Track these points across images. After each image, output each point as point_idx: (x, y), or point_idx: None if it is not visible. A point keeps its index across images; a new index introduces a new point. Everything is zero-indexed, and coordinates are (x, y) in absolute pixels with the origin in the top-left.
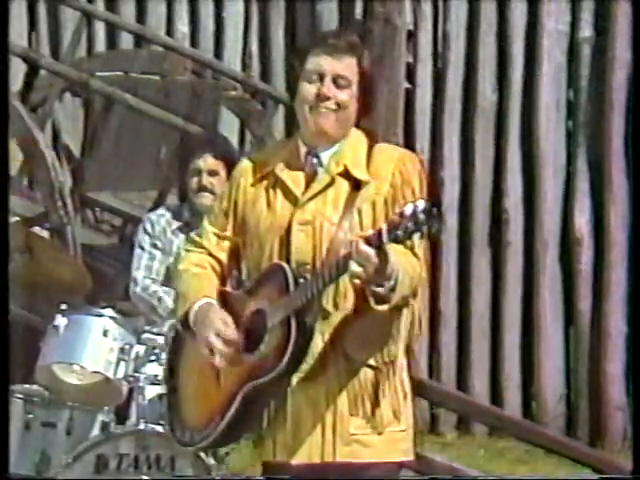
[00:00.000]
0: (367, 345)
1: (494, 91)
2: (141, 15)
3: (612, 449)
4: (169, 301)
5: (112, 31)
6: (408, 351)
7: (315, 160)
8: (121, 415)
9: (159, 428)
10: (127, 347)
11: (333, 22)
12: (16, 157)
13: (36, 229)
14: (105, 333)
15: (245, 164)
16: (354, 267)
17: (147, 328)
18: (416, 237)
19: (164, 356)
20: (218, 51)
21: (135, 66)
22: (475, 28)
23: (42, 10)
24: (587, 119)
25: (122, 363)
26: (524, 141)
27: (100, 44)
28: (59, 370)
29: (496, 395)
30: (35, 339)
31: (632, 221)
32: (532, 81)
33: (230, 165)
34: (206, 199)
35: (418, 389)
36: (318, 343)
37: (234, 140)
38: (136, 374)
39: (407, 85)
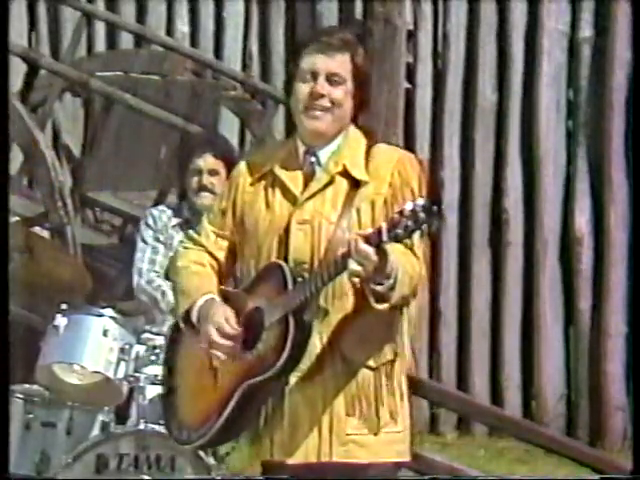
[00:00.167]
0: (365, 346)
1: (494, 91)
2: (141, 15)
3: (612, 449)
4: (171, 296)
5: (112, 31)
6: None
7: (313, 159)
8: (121, 415)
9: (159, 428)
10: (127, 347)
11: (333, 22)
12: (16, 157)
13: (36, 229)
14: (105, 333)
15: (244, 164)
16: (353, 265)
17: (147, 328)
18: (416, 236)
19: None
20: (218, 51)
21: (135, 66)
22: (475, 28)
23: (42, 10)
24: (587, 119)
25: (122, 363)
26: (524, 141)
27: (100, 44)
28: (59, 370)
29: (496, 395)
30: (35, 339)
31: (632, 221)
32: (532, 81)
33: (230, 165)
34: (206, 199)
35: (418, 389)
36: (315, 343)
37: (234, 140)
38: (136, 374)
39: (407, 85)
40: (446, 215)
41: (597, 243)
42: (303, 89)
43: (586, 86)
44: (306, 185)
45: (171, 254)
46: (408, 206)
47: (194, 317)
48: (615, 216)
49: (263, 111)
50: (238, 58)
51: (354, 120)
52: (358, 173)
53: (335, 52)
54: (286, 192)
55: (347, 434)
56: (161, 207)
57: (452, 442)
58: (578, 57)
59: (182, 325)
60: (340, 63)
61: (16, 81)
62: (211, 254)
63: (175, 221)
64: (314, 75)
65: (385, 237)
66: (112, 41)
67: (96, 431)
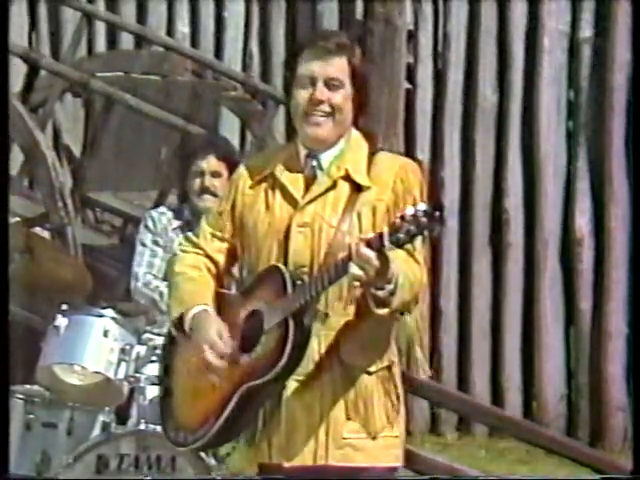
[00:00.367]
0: (363, 351)
1: (494, 91)
2: (141, 15)
3: (612, 449)
4: None
5: (112, 31)
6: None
7: (315, 162)
8: (122, 415)
9: (160, 428)
10: (128, 347)
11: (334, 22)
12: (17, 157)
13: (37, 229)
14: (106, 333)
15: (244, 166)
16: (354, 270)
17: (148, 328)
18: (417, 242)
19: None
20: (218, 51)
21: (135, 66)
22: (475, 28)
23: (42, 10)
24: (587, 119)
25: (123, 363)
26: (524, 141)
27: (100, 44)
28: (60, 370)
29: (497, 395)
30: (36, 339)
31: (632, 221)
32: (532, 81)
33: (232, 167)
34: (209, 201)
35: (419, 389)
36: (314, 347)
37: (235, 141)
38: (137, 374)
39: (407, 85)
40: (446, 217)
41: (597, 243)
42: (302, 95)
43: (586, 86)
44: (307, 188)
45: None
46: (409, 211)
47: (187, 326)
48: (615, 216)
49: (263, 111)
50: (238, 58)
51: (355, 123)
52: (360, 178)
53: (332, 56)
54: (287, 195)
55: (344, 438)
56: (161, 209)
57: (453, 442)
58: (578, 57)
59: (174, 332)
60: (338, 67)
61: (17, 82)
62: (209, 257)
63: (176, 224)
64: (312, 81)
65: (387, 242)
66: (112, 41)
67: (97, 431)
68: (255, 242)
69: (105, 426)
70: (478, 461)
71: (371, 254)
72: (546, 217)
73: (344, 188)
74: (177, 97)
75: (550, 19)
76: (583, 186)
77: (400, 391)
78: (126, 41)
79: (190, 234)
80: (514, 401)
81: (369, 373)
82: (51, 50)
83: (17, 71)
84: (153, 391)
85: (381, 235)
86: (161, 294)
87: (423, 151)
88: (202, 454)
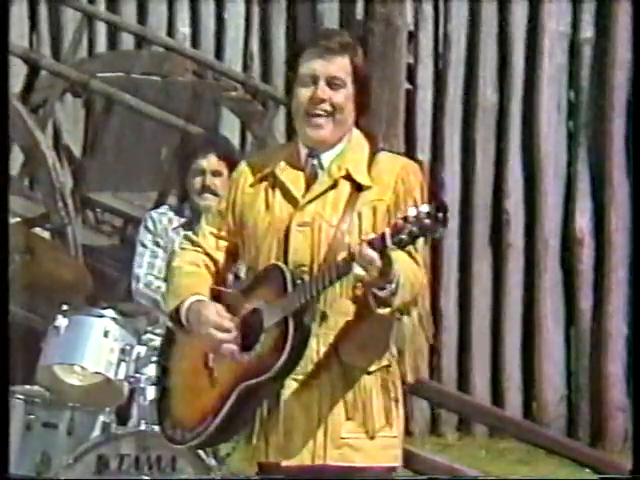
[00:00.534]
0: (362, 351)
1: (495, 91)
2: (142, 16)
3: (613, 450)
4: None
5: (113, 32)
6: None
7: (315, 162)
8: (122, 416)
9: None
10: (128, 348)
11: (334, 23)
12: (17, 158)
13: (37, 230)
14: (106, 334)
15: (244, 165)
16: (357, 270)
17: (149, 329)
18: (419, 243)
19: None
20: (219, 52)
21: (136, 67)
22: (476, 29)
23: (43, 11)
24: (588, 120)
25: (123, 364)
26: (525, 142)
27: (101, 45)
28: (60, 371)
29: (497, 396)
30: (36, 340)
31: (633, 221)
32: (533, 82)
33: (232, 166)
34: (209, 200)
35: (419, 390)
36: (313, 346)
37: (235, 141)
38: (137, 375)
39: (408, 86)
40: (449, 218)
41: (598, 244)
42: (304, 94)
43: (587, 87)
44: (307, 188)
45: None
46: (412, 212)
47: (183, 317)
48: (616, 217)
49: (264, 112)
50: (239, 59)
51: (356, 123)
52: (361, 178)
53: (334, 56)
54: (287, 194)
55: (342, 437)
56: (162, 210)
57: (453, 443)
58: (579, 58)
59: (170, 324)
60: (340, 66)
61: (17, 82)
62: (208, 255)
63: (176, 223)
64: (314, 79)
65: (389, 242)
66: (113, 42)
67: (97, 432)
68: (255, 241)
69: (105, 426)
70: (478, 461)
71: (374, 255)
72: (546, 217)
73: (345, 188)
74: (177, 97)
75: (550, 20)
76: (583, 186)
77: (399, 391)
78: (126, 41)
79: (190, 233)
80: (514, 401)
81: (368, 373)
82: (51, 50)
83: (17, 71)
84: (153, 391)
85: (383, 236)
86: (163, 295)
87: (423, 151)
88: (202, 454)
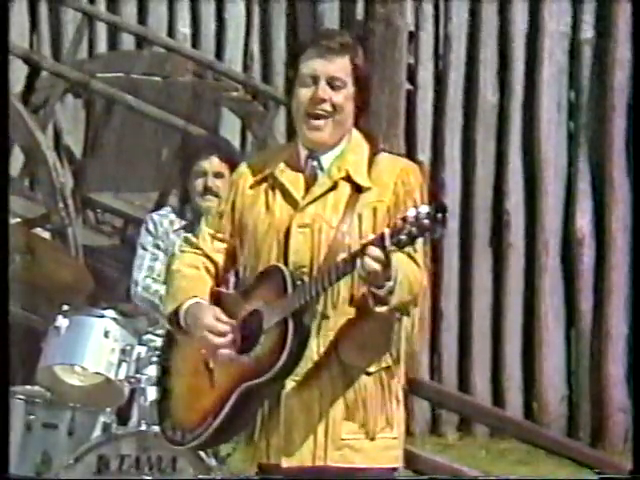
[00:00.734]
0: (362, 351)
1: (495, 92)
2: (142, 16)
3: (613, 450)
4: None
5: (113, 32)
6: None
7: (315, 163)
8: (122, 416)
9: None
10: (128, 348)
11: (334, 23)
12: (17, 158)
13: (37, 230)
14: (106, 334)
15: (244, 166)
16: (361, 270)
17: (150, 329)
18: (418, 244)
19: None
20: (219, 52)
21: (136, 67)
22: (476, 29)
23: (43, 11)
24: (588, 120)
25: (123, 364)
26: (525, 142)
27: (101, 45)
28: (60, 371)
29: (497, 396)
30: (36, 340)
31: (633, 222)
32: (533, 82)
33: (233, 167)
34: (211, 202)
35: (419, 390)
36: (313, 347)
37: (235, 141)
38: (137, 375)
39: (408, 86)
40: (448, 219)
41: (598, 244)
42: (304, 94)
43: (587, 87)
44: (307, 189)
45: None
46: (411, 213)
47: (181, 320)
48: (616, 217)
49: (264, 112)
50: (239, 59)
51: (357, 124)
52: (361, 179)
53: (335, 56)
54: (287, 196)
55: (342, 439)
56: (162, 211)
57: (453, 443)
58: (579, 58)
59: (169, 327)
60: (340, 67)
61: (17, 82)
62: (208, 257)
63: (177, 225)
64: (315, 79)
65: (388, 243)
66: (113, 42)
67: (97, 432)
68: (255, 242)
69: (106, 427)
70: (479, 462)
71: (381, 254)
72: (547, 218)
73: (345, 189)
74: (178, 98)
75: (551, 20)
76: (584, 187)
77: (400, 392)
78: (127, 42)
79: (189, 235)
80: (515, 402)
81: (368, 374)
82: (52, 51)
83: (18, 72)
84: (154, 392)
85: (382, 236)
86: (161, 298)
87: (424, 152)
88: (203, 455)
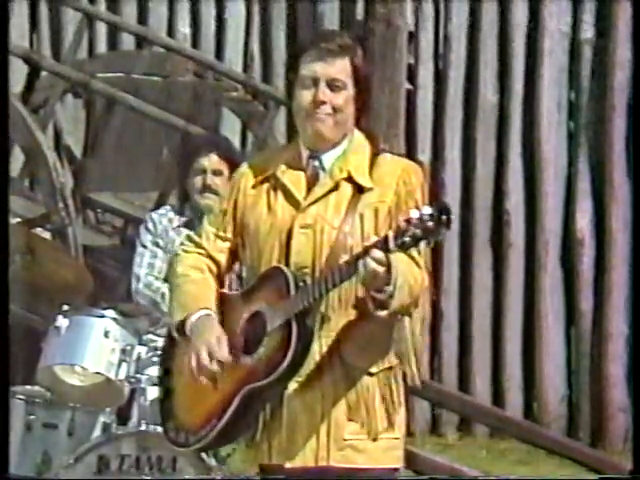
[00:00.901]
0: (365, 352)
1: (495, 92)
2: (142, 16)
3: (613, 450)
4: None
5: (113, 32)
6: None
7: (317, 163)
8: (122, 416)
9: (160, 429)
10: (128, 348)
11: (334, 23)
12: (18, 158)
13: (38, 230)
14: (106, 334)
15: (246, 166)
16: (363, 273)
17: (151, 329)
18: (420, 245)
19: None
20: (219, 52)
21: (136, 67)
22: (476, 29)
23: (43, 11)
24: (588, 120)
25: (123, 364)
26: (525, 142)
27: (101, 45)
28: (60, 371)
29: (497, 396)
30: (36, 340)
31: (633, 222)
32: (533, 82)
33: (233, 166)
34: (210, 200)
35: (419, 390)
36: (315, 348)
37: (235, 141)
38: (138, 375)
39: (408, 86)
40: (451, 220)
41: (598, 244)
42: (305, 96)
43: (587, 87)
44: (309, 190)
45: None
46: (415, 214)
47: (188, 330)
48: (616, 217)
49: (264, 112)
50: (239, 59)
51: (358, 124)
52: (363, 180)
53: (335, 57)
54: (289, 196)
55: (345, 439)
56: (162, 210)
57: (453, 443)
58: (579, 58)
59: (175, 335)
60: (340, 68)
61: (17, 82)
62: (211, 257)
63: (177, 222)
64: (315, 82)
65: (392, 245)
66: (113, 42)
67: (97, 432)
68: (257, 243)
69: (106, 427)
70: (479, 462)
71: (384, 258)
72: (547, 218)
73: (346, 189)
74: (178, 98)
75: (551, 20)
76: (584, 187)
77: (401, 393)
78: (127, 42)
79: (192, 233)
80: (515, 402)
81: (370, 374)
82: (52, 51)
83: (18, 72)
84: (154, 392)
85: (386, 238)
86: (162, 295)
87: (424, 152)
88: (203, 455)
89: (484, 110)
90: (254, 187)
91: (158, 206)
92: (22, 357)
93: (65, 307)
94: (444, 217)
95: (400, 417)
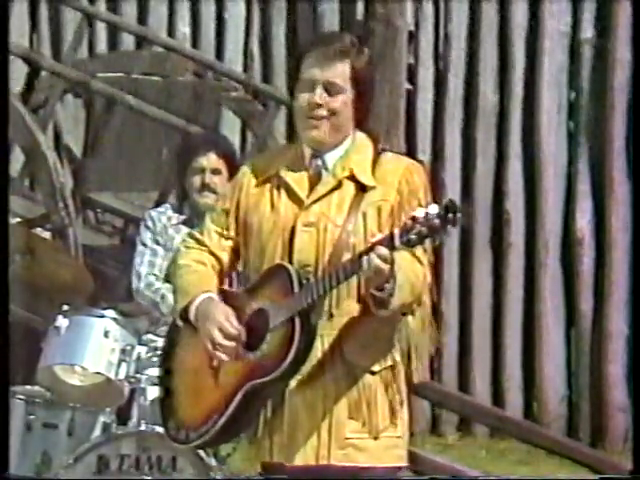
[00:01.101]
0: (367, 351)
1: (495, 92)
2: (142, 16)
3: (613, 450)
4: (172, 300)
5: (113, 32)
6: (408, 358)
7: (320, 162)
8: (122, 416)
9: (160, 429)
10: (128, 348)
11: (334, 23)
12: (17, 158)
13: (37, 230)
14: (106, 334)
15: (249, 166)
16: (368, 269)
17: (151, 329)
18: (427, 242)
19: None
20: (219, 52)
21: (136, 67)
22: (476, 29)
23: (43, 11)
24: (588, 120)
25: (123, 364)
26: (525, 142)
27: (101, 45)
28: (60, 371)
29: (497, 396)
30: (36, 340)
31: (633, 222)
32: (533, 82)
33: (231, 165)
34: (209, 198)
35: (419, 390)
36: (318, 346)
37: (235, 141)
38: (137, 375)
39: (408, 86)
40: (459, 219)
41: (598, 244)
42: (302, 98)
43: (587, 87)
44: (312, 188)
45: (171, 255)
46: (420, 212)
47: (192, 315)
48: (616, 217)
49: (264, 112)
50: (239, 59)
51: (359, 125)
52: (365, 179)
53: (333, 61)
54: (292, 194)
55: (346, 438)
56: (161, 208)
57: (453, 443)
58: (579, 58)
59: (180, 322)
60: (338, 72)
61: (17, 82)
62: (213, 254)
63: (176, 220)
64: (313, 85)
65: (397, 242)
66: (113, 42)
67: (97, 432)
68: (259, 241)
69: (106, 427)
70: (479, 461)
71: (389, 253)
72: (547, 218)
73: (349, 188)
74: (178, 98)
75: (551, 19)
76: (584, 187)
77: (404, 392)
78: (127, 42)
79: (194, 231)
80: (515, 402)
81: (372, 373)
82: (52, 51)
83: (18, 72)
84: (154, 392)
85: (392, 235)
86: (163, 297)
87: (424, 152)
88: (203, 454)
89: (484, 110)
90: (257, 186)
91: (158, 206)
92: (22, 357)
93: (65, 307)
94: (450, 215)
95: (402, 415)
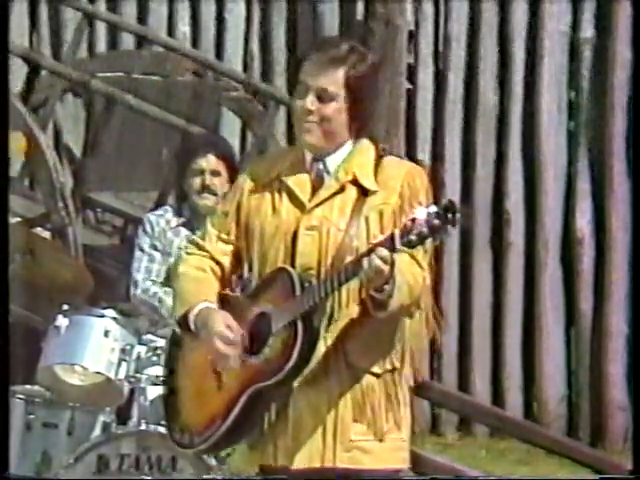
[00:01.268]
0: (369, 353)
1: (495, 92)
2: (142, 15)
3: (613, 450)
4: (170, 302)
5: (113, 32)
6: (412, 359)
7: (321, 166)
8: (122, 416)
9: (160, 429)
10: (128, 348)
11: (334, 23)
12: (17, 158)
13: (37, 230)
14: (106, 334)
15: (249, 170)
16: (368, 271)
17: (151, 329)
18: (428, 243)
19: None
20: (219, 52)
21: (136, 67)
22: (476, 29)
23: (43, 10)
24: (588, 120)
25: (123, 364)
26: (525, 142)
27: (101, 45)
28: (60, 371)
29: (497, 396)
30: (36, 340)
31: (633, 221)
32: (533, 82)
33: (230, 166)
34: (208, 200)
35: (419, 390)
36: (321, 349)
37: (235, 141)
38: (137, 375)
39: (408, 86)
40: (458, 220)
41: (598, 244)
42: (297, 104)
43: (587, 87)
44: (314, 192)
45: (170, 260)
46: (421, 213)
47: (191, 324)
48: (616, 217)
49: (264, 112)
50: (239, 59)
51: (359, 133)
52: (368, 183)
53: (326, 69)
54: (293, 198)
55: (351, 440)
56: (159, 211)
57: (453, 443)
58: (579, 58)
59: (179, 330)
60: (331, 80)
61: (17, 82)
62: (214, 259)
63: (175, 222)
64: (306, 91)
65: (398, 243)
66: (113, 42)
67: (97, 432)
68: (261, 245)
69: (106, 426)
70: (479, 461)
71: (389, 254)
72: (547, 217)
73: (351, 192)
74: (178, 97)
75: (551, 19)
76: (584, 186)
77: (406, 393)
78: (127, 41)
79: (195, 237)
80: (515, 401)
81: (376, 375)
82: (52, 50)
83: (18, 71)
84: (154, 391)
85: (392, 237)
86: (160, 300)
87: (424, 152)
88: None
89: (484, 110)
90: (258, 190)
91: (158, 206)
92: (22, 357)
93: (65, 307)
94: (450, 215)
95: (406, 417)
